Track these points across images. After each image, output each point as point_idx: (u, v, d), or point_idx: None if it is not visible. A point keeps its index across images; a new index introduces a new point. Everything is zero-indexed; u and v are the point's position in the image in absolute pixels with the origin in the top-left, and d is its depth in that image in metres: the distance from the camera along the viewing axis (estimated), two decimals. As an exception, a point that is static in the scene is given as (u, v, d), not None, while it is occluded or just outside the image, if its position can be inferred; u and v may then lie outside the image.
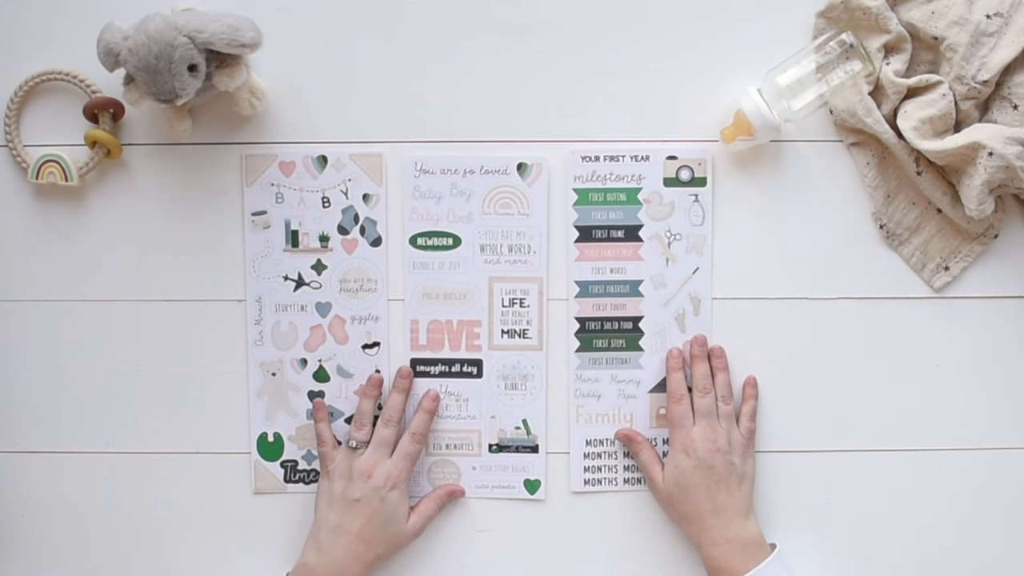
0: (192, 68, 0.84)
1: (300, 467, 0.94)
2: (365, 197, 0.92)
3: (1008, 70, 0.89)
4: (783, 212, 0.94)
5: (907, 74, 0.91)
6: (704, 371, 0.92)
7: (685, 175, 0.92)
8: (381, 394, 0.93)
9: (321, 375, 0.93)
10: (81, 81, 0.92)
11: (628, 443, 0.93)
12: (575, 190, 0.93)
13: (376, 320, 0.92)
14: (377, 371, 0.93)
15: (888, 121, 0.90)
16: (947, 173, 0.91)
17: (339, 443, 0.92)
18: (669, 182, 0.93)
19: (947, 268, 0.93)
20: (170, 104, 0.85)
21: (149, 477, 0.95)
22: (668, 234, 0.93)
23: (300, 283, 0.93)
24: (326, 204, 0.92)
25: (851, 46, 0.88)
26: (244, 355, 0.94)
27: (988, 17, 0.88)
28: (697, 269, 0.93)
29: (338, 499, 0.89)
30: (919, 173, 0.91)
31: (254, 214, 0.92)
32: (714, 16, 0.93)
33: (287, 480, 0.94)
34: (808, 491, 0.94)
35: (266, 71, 0.93)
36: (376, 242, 0.92)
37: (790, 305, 0.94)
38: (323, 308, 0.93)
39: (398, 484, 0.90)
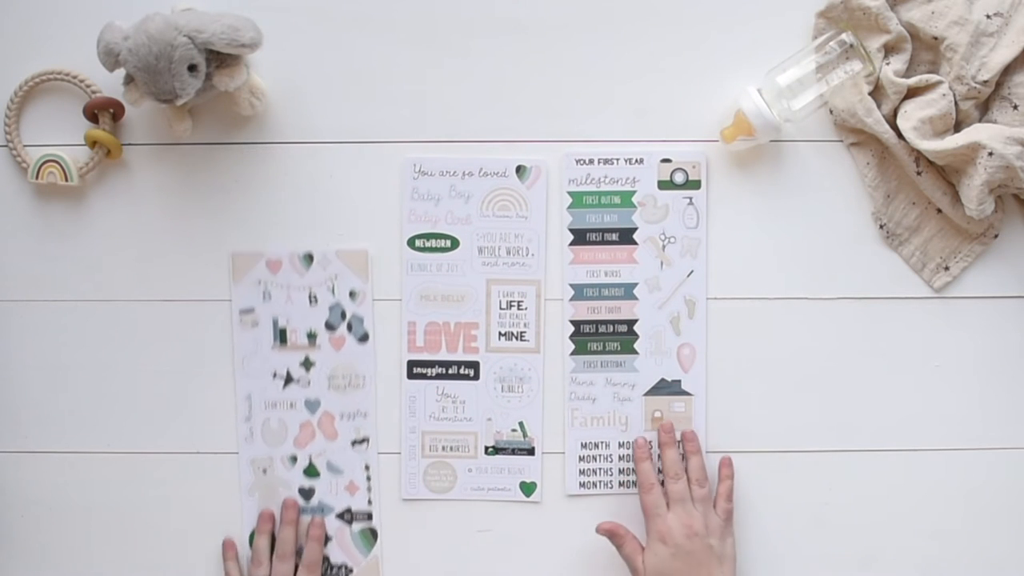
0: (192, 68, 0.84)
1: None
2: (351, 294, 0.92)
3: (1008, 70, 0.89)
4: (783, 212, 0.94)
5: (907, 74, 0.91)
6: (673, 457, 0.91)
7: (679, 178, 0.92)
8: (274, 527, 0.93)
9: (311, 471, 0.93)
10: (81, 81, 0.92)
11: (611, 536, 0.91)
12: (569, 193, 0.93)
13: (365, 416, 0.92)
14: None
15: (888, 121, 0.90)
16: (947, 173, 0.91)
17: None
18: (663, 185, 0.93)
19: (947, 268, 0.93)
20: (170, 104, 0.85)
21: (149, 477, 0.95)
22: (662, 237, 0.93)
23: (289, 380, 0.92)
24: (313, 302, 0.92)
25: (851, 46, 0.88)
26: (239, 355, 0.94)
27: (988, 17, 0.88)
28: (692, 272, 0.93)
29: None
30: (919, 173, 0.91)
31: (242, 312, 0.91)
32: (714, 16, 0.93)
33: None
34: (808, 491, 0.94)
35: (266, 71, 0.93)
36: (363, 338, 0.92)
37: (790, 305, 0.94)
38: (312, 405, 0.93)
39: None
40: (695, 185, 0.93)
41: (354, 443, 0.93)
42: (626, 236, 0.93)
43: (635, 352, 0.94)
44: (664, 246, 0.93)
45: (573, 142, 0.93)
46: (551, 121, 0.93)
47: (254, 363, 0.93)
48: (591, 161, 0.93)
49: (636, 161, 0.93)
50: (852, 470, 0.94)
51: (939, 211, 0.92)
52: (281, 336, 0.92)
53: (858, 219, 0.94)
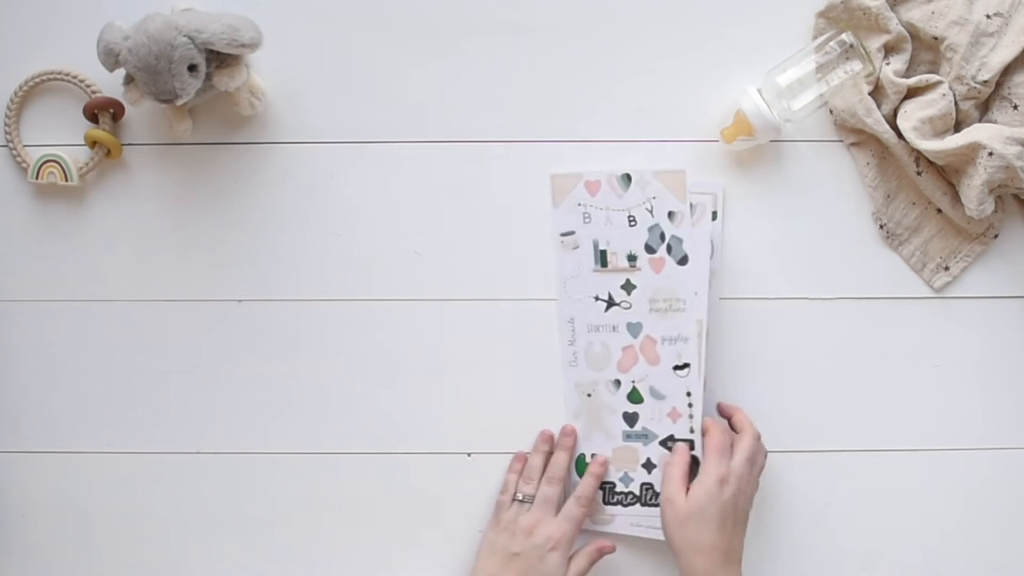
0: (192, 68, 0.84)
1: (618, 489, 0.92)
2: (670, 215, 0.90)
3: (1008, 70, 0.89)
4: (783, 212, 0.94)
5: (907, 74, 0.91)
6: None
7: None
8: (551, 450, 0.92)
9: (635, 396, 0.92)
10: (81, 81, 0.92)
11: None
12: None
13: (686, 341, 0.90)
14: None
15: (888, 121, 0.90)
16: (947, 173, 0.91)
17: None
18: None
19: (947, 268, 0.93)
20: (170, 104, 0.85)
21: (150, 477, 0.95)
22: None
23: (611, 303, 0.91)
24: (632, 223, 0.90)
25: (851, 46, 0.88)
26: (240, 355, 0.94)
27: (988, 17, 0.88)
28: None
29: (499, 551, 0.89)
30: (919, 173, 0.91)
31: (563, 234, 0.90)
32: (714, 16, 0.93)
33: (605, 502, 0.92)
34: (808, 491, 0.94)
35: (266, 71, 0.93)
36: (682, 261, 0.90)
37: (790, 305, 0.94)
38: (634, 328, 0.91)
39: (559, 546, 0.88)
40: (711, 217, 0.92)
41: (675, 368, 0.91)
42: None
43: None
44: None
45: (573, 142, 0.93)
46: (551, 121, 0.93)
47: (576, 286, 0.91)
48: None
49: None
50: (852, 470, 0.94)
51: (939, 211, 0.92)
52: (602, 258, 0.91)
53: (858, 219, 0.94)
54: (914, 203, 0.93)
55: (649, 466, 0.92)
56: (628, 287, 0.91)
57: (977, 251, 0.93)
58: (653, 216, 0.90)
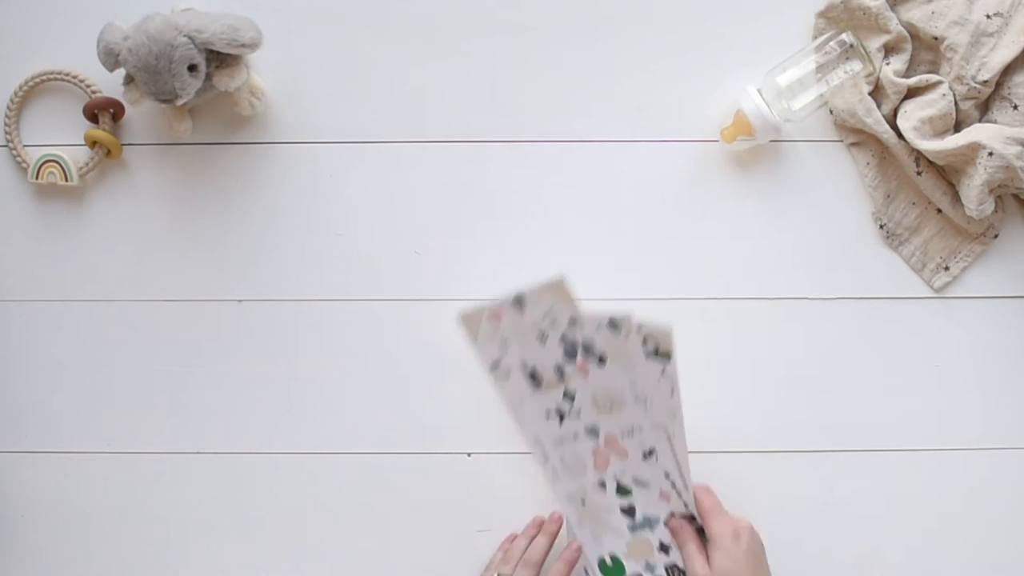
0: (192, 68, 0.84)
1: None
2: (571, 321, 0.86)
3: (1008, 70, 0.89)
4: (783, 212, 0.94)
5: (907, 74, 0.91)
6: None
7: (649, 346, 0.85)
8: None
9: (622, 490, 0.90)
10: (81, 81, 0.92)
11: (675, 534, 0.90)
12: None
13: (641, 430, 0.88)
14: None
15: (888, 121, 0.90)
16: (947, 173, 0.91)
17: None
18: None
19: (947, 268, 0.93)
20: (170, 104, 0.85)
21: (150, 477, 0.95)
22: None
23: (562, 416, 0.89)
24: (542, 339, 0.87)
25: (851, 46, 0.88)
26: (240, 355, 0.94)
27: (988, 17, 0.88)
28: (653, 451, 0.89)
29: None
30: (919, 173, 0.91)
31: (491, 368, 0.88)
32: (714, 16, 0.93)
33: None
34: (808, 491, 0.94)
35: (266, 71, 0.93)
36: (601, 361, 0.87)
37: (790, 305, 0.94)
38: (592, 431, 0.89)
39: None
40: (665, 357, 0.85)
41: (644, 457, 0.89)
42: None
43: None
44: None
45: (574, 142, 0.93)
46: (551, 121, 0.93)
47: (525, 411, 0.89)
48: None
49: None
50: (852, 470, 0.94)
51: (939, 211, 0.93)
52: (533, 379, 0.88)
53: (858, 219, 0.94)
54: (914, 203, 0.93)
55: (665, 548, 0.90)
56: (569, 396, 0.89)
57: (977, 251, 0.93)
58: (555, 327, 0.86)
